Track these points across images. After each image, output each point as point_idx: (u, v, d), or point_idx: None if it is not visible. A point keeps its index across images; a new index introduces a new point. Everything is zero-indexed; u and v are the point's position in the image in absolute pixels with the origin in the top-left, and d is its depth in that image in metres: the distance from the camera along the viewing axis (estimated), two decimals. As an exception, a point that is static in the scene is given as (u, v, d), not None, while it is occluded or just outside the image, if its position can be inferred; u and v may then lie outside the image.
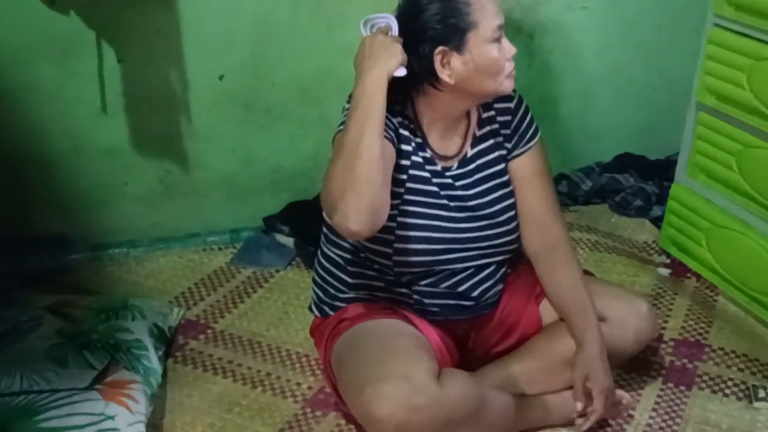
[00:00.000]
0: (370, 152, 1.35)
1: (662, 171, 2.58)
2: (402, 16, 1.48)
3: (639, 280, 2.20)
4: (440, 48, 1.45)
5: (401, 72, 1.43)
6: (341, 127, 1.48)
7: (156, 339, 1.83)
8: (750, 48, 1.89)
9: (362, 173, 1.34)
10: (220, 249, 2.32)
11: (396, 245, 1.55)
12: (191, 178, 2.27)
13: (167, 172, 2.24)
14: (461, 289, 1.62)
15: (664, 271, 2.24)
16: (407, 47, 1.45)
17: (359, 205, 1.33)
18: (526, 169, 1.66)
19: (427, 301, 1.62)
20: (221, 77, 2.17)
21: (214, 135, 2.24)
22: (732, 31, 1.94)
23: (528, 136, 1.66)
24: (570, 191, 2.58)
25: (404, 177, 1.55)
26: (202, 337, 1.96)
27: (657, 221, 2.43)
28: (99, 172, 2.19)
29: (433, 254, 1.57)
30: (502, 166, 1.64)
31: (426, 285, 1.61)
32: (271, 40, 2.18)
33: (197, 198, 2.30)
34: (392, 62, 1.40)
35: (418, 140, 1.56)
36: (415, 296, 1.62)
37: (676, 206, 2.21)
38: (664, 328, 1.99)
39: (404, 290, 1.62)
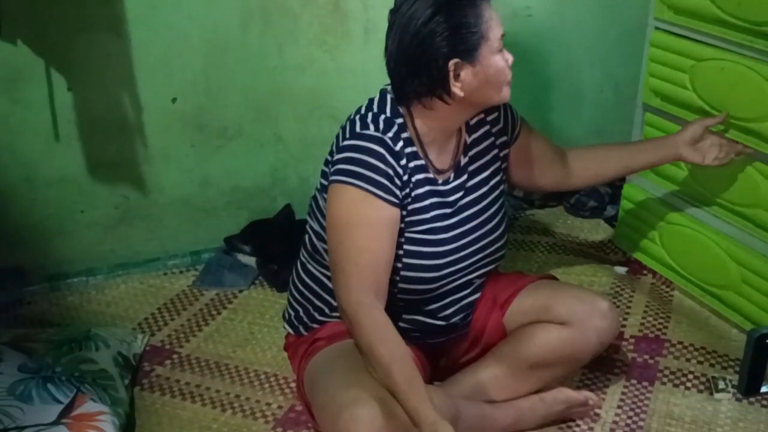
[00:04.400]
0: None
1: (614, 171, 2.64)
2: (400, 32, 1.46)
3: (597, 279, 2.24)
4: (454, 61, 1.45)
5: None
6: (357, 183, 1.48)
7: (121, 368, 1.81)
8: (691, 49, 1.95)
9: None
10: (181, 272, 2.31)
11: (403, 273, 1.56)
12: (148, 202, 2.25)
13: (123, 198, 2.22)
14: (448, 312, 1.64)
15: (621, 270, 2.29)
16: (415, 65, 1.46)
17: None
18: (527, 134, 1.75)
19: (409, 327, 1.63)
20: (174, 100, 2.16)
21: (169, 158, 2.22)
22: (673, 33, 2.00)
23: (515, 114, 1.73)
24: (526, 195, 2.62)
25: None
26: (168, 362, 1.94)
27: (611, 221, 2.49)
28: (53, 201, 2.15)
29: (436, 270, 1.58)
30: (494, 167, 1.67)
31: (415, 309, 1.62)
32: (222, 61, 2.18)
33: (155, 222, 2.28)
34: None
35: (420, 162, 1.56)
36: (400, 323, 1.62)
37: (628, 205, 2.26)
38: (624, 326, 2.04)
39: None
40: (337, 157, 1.52)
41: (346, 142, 1.51)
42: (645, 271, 2.27)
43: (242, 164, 2.31)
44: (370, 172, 1.48)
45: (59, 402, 1.62)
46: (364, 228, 1.47)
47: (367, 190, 1.47)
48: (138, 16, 2.05)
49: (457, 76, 1.47)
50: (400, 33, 1.46)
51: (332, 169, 1.52)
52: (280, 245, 2.21)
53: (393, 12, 1.48)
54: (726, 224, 1.98)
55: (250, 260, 2.28)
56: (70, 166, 2.13)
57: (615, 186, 2.57)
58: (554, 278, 1.86)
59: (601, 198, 2.57)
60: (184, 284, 2.25)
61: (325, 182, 1.56)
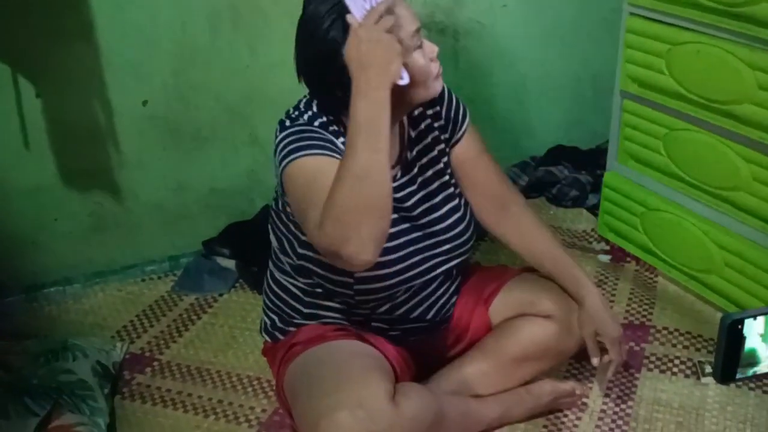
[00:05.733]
0: (385, 178, 1.26)
1: (594, 160, 2.63)
2: (303, 45, 1.40)
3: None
4: None
5: (404, 80, 1.28)
6: (305, 153, 1.39)
7: (100, 377, 1.78)
8: (666, 34, 1.94)
9: (379, 201, 1.25)
10: (159, 278, 2.27)
11: (356, 287, 1.51)
12: (123, 208, 2.21)
13: (97, 205, 2.18)
14: (419, 312, 1.60)
15: (605, 258, 2.28)
16: (329, 77, 1.38)
17: (376, 234, 1.24)
18: (470, 150, 1.64)
19: (385, 327, 1.60)
20: (144, 103, 2.13)
21: (143, 163, 2.19)
22: (647, 18, 1.99)
23: (461, 118, 1.64)
24: (507, 188, 2.60)
25: None
26: (148, 370, 1.91)
27: (593, 209, 2.47)
28: (26, 211, 2.11)
29: (394, 276, 1.52)
30: (444, 161, 1.61)
31: (384, 313, 1.58)
32: (192, 63, 2.14)
33: (131, 228, 2.24)
34: (395, 69, 1.25)
35: None
36: (374, 324, 1.59)
37: (610, 193, 2.25)
38: (609, 314, 2.02)
39: (362, 319, 1.59)
40: (278, 153, 1.44)
41: (280, 136, 1.45)
42: (628, 259, 2.25)
43: (218, 167, 2.28)
44: (314, 141, 1.41)
45: (36, 415, 1.58)
46: (323, 179, 1.33)
47: (317, 154, 1.39)
48: (105, 20, 2.01)
49: None
50: (303, 46, 1.40)
51: (278, 162, 1.43)
52: (260, 247, 2.18)
53: (299, 21, 1.40)
54: (707, 208, 1.97)
55: (230, 263, 2.24)
56: (42, 174, 2.09)
57: (596, 174, 2.56)
58: (536, 271, 1.84)
59: (583, 187, 2.56)
60: (162, 290, 2.22)
61: (277, 192, 1.53)
